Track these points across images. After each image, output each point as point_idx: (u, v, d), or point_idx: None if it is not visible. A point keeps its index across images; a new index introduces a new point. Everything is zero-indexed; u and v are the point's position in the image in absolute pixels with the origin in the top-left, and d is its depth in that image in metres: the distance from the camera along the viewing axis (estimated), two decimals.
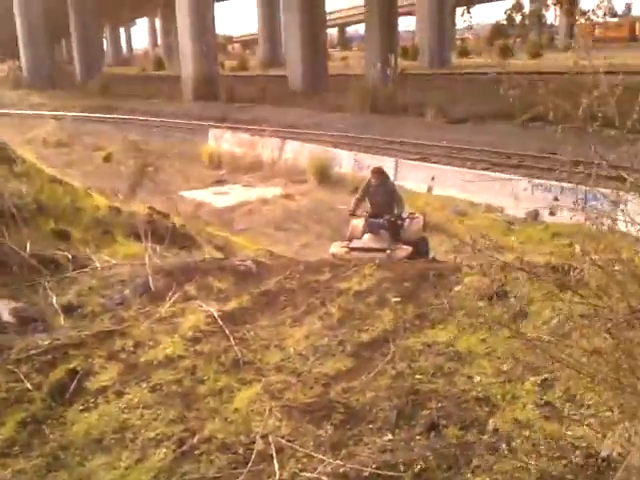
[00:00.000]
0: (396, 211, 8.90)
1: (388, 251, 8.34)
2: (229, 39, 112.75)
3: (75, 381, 3.50)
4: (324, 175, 16.54)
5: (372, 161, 17.14)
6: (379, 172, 9.18)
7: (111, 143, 22.24)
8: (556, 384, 3.49)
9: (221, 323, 4.28)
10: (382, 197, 8.94)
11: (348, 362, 3.91)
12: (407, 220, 9.06)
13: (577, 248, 3.07)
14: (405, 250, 8.52)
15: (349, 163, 17.62)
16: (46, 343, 3.89)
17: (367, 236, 8.74)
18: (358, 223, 9.05)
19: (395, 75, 34.49)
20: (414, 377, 3.74)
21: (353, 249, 8.55)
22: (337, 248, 8.74)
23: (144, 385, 3.51)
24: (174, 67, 61.04)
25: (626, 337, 2.88)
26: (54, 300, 4.58)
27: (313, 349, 4.04)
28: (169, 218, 7.87)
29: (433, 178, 15.63)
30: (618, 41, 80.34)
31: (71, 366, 3.63)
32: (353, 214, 9.11)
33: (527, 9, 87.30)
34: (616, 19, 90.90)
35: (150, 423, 3.16)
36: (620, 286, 2.78)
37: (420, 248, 8.90)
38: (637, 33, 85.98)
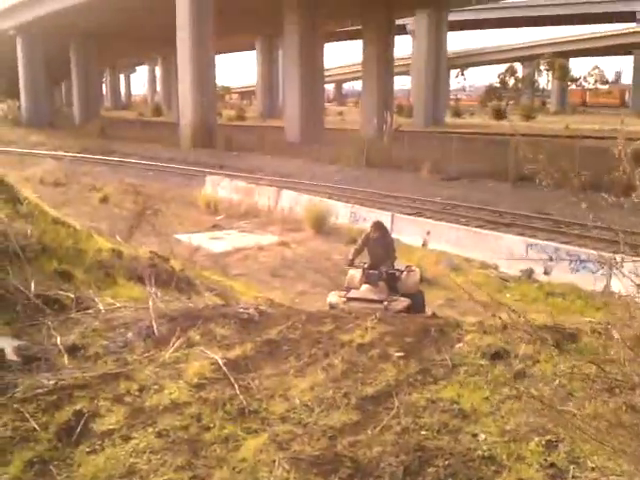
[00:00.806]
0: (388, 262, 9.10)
1: (385, 303, 8.36)
2: (228, 90, 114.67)
3: (82, 423, 3.47)
4: (320, 225, 16.69)
5: (368, 214, 17.34)
6: (379, 226, 9.50)
7: (108, 184, 22.39)
8: (560, 445, 3.49)
9: (226, 370, 4.26)
10: (381, 250, 9.21)
11: (353, 415, 3.90)
12: (404, 273, 9.21)
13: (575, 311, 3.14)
14: (402, 302, 8.60)
15: (346, 214, 17.80)
16: (51, 383, 3.86)
17: (365, 287, 8.83)
18: (355, 273, 9.20)
19: (391, 131, 35.14)
20: (420, 433, 3.73)
21: (350, 299, 8.59)
22: (335, 298, 8.82)
23: (150, 430, 3.48)
24: (172, 114, 61.97)
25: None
26: (58, 340, 4.56)
27: (318, 400, 4.03)
28: (169, 262, 7.89)
29: (428, 233, 15.79)
30: (608, 107, 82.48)
31: (77, 407, 3.60)
32: (351, 264, 9.29)
33: (520, 73, 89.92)
34: (607, 86, 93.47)
35: (158, 469, 3.13)
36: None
37: (416, 301, 8.98)
38: (627, 100, 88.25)
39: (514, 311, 3.53)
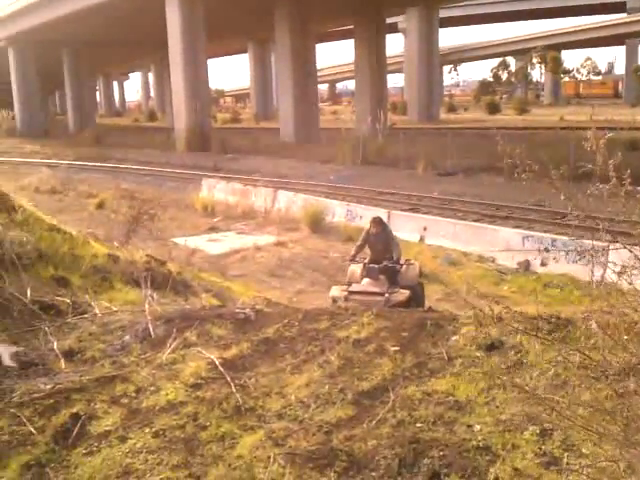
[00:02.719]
0: (395, 256, 9.30)
1: (386, 295, 8.67)
2: (221, 93, 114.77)
3: (78, 425, 3.49)
4: (317, 224, 16.70)
5: (364, 212, 17.36)
6: (379, 221, 9.62)
7: (104, 191, 22.39)
8: (554, 434, 3.52)
9: (222, 370, 4.29)
10: (381, 245, 9.41)
11: (349, 410, 3.93)
12: (404, 266, 9.45)
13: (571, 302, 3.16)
14: (403, 294, 8.86)
15: (342, 213, 17.81)
16: (48, 387, 3.89)
17: (366, 280, 9.08)
18: (356, 268, 9.42)
19: (385, 129, 35.17)
20: (415, 426, 3.76)
21: (352, 292, 8.86)
22: (337, 292, 9.05)
23: (147, 430, 3.51)
24: (167, 119, 62.00)
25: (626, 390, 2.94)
26: (55, 345, 4.58)
27: (314, 397, 4.06)
28: (166, 265, 7.92)
29: (425, 228, 15.81)
30: (602, 98, 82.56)
31: (74, 410, 3.63)
32: (353, 260, 9.51)
33: (513, 67, 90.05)
34: (600, 77, 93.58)
35: (154, 468, 3.15)
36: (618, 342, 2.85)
37: (416, 293, 9.27)
38: (620, 91, 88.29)
39: (507, 307, 3.54)
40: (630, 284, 2.84)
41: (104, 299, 5.98)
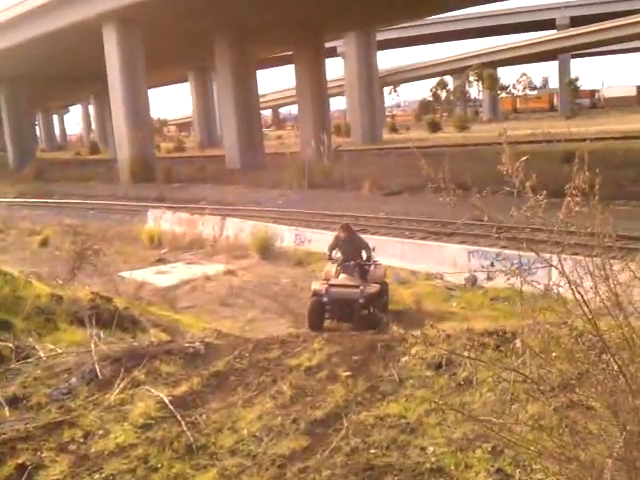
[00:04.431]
0: (365, 256, 10.87)
1: (361, 287, 10.15)
2: (164, 122, 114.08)
3: (25, 476, 3.38)
4: (266, 250, 16.64)
5: (313, 235, 17.40)
6: (346, 227, 11.21)
7: (47, 227, 21.88)
8: (505, 451, 3.58)
9: (172, 408, 4.23)
10: (350, 247, 10.81)
11: (302, 441, 3.92)
12: (372, 266, 10.98)
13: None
14: (374, 287, 10.37)
15: (290, 237, 17.81)
16: None
17: (342, 276, 10.56)
18: (330, 268, 10.95)
19: (330, 152, 35.49)
20: (369, 452, 3.77)
21: (332, 285, 10.27)
22: (318, 285, 10.45)
23: (96, 476, 3.42)
24: (110, 151, 61.20)
25: (566, 404, 3.02)
26: None
27: (267, 429, 4.03)
28: (112, 301, 7.77)
29: (374, 248, 15.89)
30: (539, 111, 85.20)
31: (20, 461, 3.52)
32: (330, 259, 10.96)
33: (451, 86, 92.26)
34: (535, 92, 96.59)
35: None
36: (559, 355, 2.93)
37: (383, 289, 10.75)
38: (555, 104, 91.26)
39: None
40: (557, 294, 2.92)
41: (49, 341, 5.83)
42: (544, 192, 2.83)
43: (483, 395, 4.34)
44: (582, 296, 2.88)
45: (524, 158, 2.79)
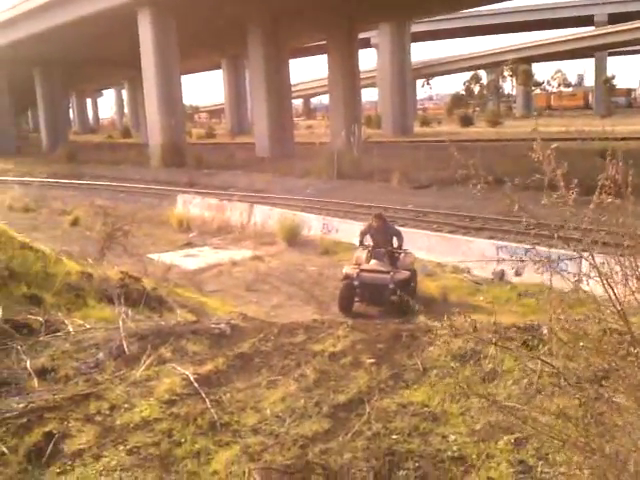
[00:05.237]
0: (396, 244, 11.32)
1: (391, 273, 10.56)
2: (196, 109, 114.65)
3: (51, 444, 3.45)
4: (293, 238, 16.69)
5: (340, 225, 17.41)
6: (379, 216, 11.66)
7: (78, 208, 22.18)
8: (528, 443, 3.55)
9: (197, 385, 4.27)
10: (381, 236, 11.27)
11: (325, 423, 3.93)
12: (402, 254, 11.40)
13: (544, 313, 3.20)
14: (404, 274, 10.78)
15: (318, 226, 17.83)
16: (21, 406, 3.83)
17: (374, 261, 10.97)
18: (360, 253, 11.37)
19: (360, 143, 35.38)
20: (390, 438, 3.77)
21: (363, 270, 10.72)
22: (350, 270, 10.92)
23: (121, 448, 3.47)
24: (141, 135, 61.72)
25: (593, 397, 2.99)
26: (28, 364, 4.53)
27: (290, 411, 4.05)
28: (141, 281, 7.86)
29: None
30: (573, 109, 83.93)
31: (47, 429, 3.58)
32: (361, 244, 11.46)
33: (485, 80, 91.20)
34: (570, 89, 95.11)
35: None
36: (587, 347, 2.90)
37: (412, 277, 11.13)
38: (590, 102, 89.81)
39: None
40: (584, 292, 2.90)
41: (77, 317, 5.92)
42: (575, 187, 2.79)
43: (508, 387, 4.31)
44: (612, 288, 2.84)
45: (554, 145, 2.75)
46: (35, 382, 4.32)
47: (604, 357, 2.85)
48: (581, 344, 2.81)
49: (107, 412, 3.89)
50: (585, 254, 2.89)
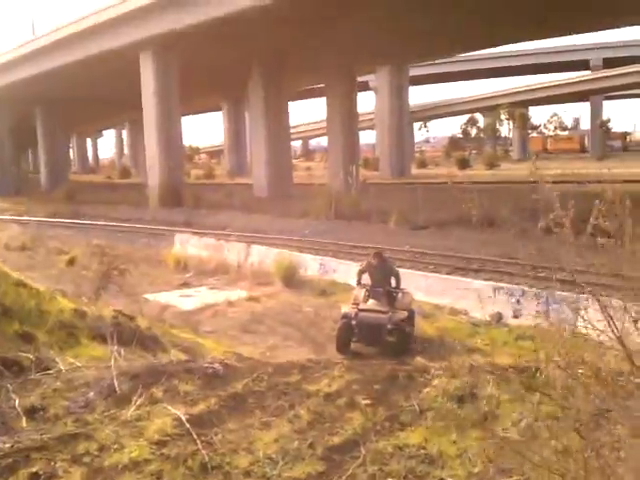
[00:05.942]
0: (393, 284, 11.19)
1: (389, 313, 10.53)
2: (196, 150, 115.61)
3: None
4: (290, 278, 16.61)
5: (338, 265, 17.36)
6: (379, 255, 11.59)
7: (75, 247, 22.13)
8: None
9: (188, 426, 4.18)
10: (380, 274, 11.18)
11: (319, 466, 3.84)
12: (400, 293, 11.30)
13: (542, 352, 3.16)
14: (402, 314, 10.74)
15: (315, 267, 17.78)
16: (7, 446, 3.74)
17: (371, 301, 10.90)
18: (358, 292, 11.30)
19: (357, 184, 35.57)
20: None
21: (361, 310, 10.64)
22: (348, 309, 10.86)
23: None
24: (140, 175, 62.07)
25: (594, 437, 2.92)
26: (16, 402, 4.44)
27: (283, 453, 3.96)
28: (135, 321, 7.78)
29: None
30: (569, 153, 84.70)
31: (33, 470, 3.49)
32: (359, 283, 11.42)
33: (482, 123, 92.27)
34: (566, 132, 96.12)
35: None
36: (585, 387, 2.85)
37: (410, 316, 11.13)
38: (586, 145, 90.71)
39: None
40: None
41: (70, 355, 5.83)
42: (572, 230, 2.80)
43: (507, 429, 4.23)
44: (617, 329, 2.83)
45: (550, 182, 2.75)
46: (24, 421, 4.23)
47: (604, 385, 2.81)
48: (580, 371, 2.78)
49: (95, 453, 3.80)
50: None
